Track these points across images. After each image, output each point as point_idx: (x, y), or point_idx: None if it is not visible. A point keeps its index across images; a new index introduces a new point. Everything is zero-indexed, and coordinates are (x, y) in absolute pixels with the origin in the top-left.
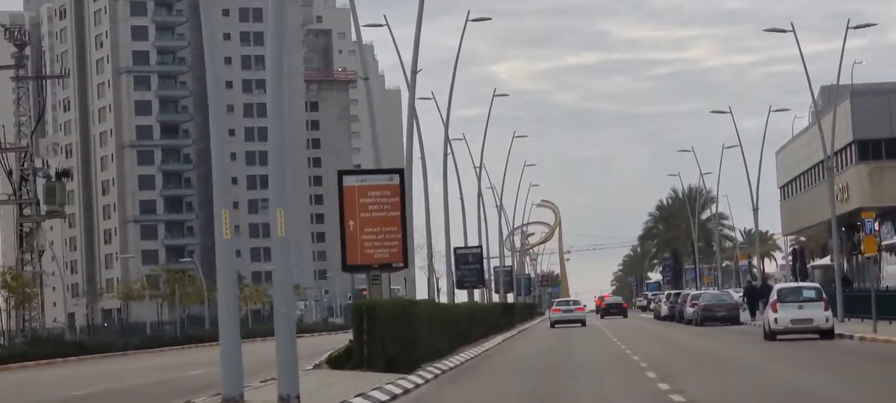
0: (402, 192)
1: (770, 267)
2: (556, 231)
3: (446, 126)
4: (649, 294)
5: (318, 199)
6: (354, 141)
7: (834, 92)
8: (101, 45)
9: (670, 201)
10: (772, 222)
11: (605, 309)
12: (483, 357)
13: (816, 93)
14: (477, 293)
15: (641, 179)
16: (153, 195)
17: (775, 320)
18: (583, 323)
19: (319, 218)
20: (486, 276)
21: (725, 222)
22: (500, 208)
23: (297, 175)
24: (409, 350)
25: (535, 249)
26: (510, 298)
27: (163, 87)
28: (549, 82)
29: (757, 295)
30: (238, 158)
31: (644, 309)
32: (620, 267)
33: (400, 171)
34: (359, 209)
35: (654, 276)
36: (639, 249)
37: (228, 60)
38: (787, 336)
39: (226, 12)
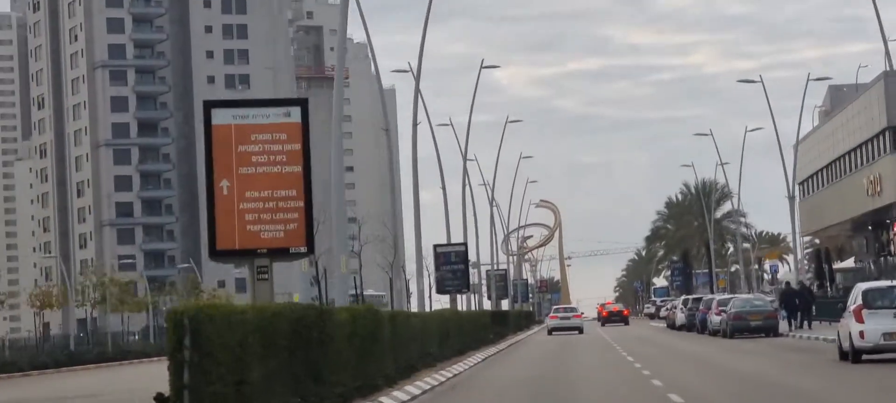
0: (306, 138)
1: (782, 270)
2: (557, 233)
3: (417, 78)
4: (657, 300)
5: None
6: (347, 142)
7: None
8: (76, 39)
9: (681, 197)
10: (783, 223)
11: (606, 318)
12: (443, 391)
13: (825, 92)
14: (463, 299)
15: (643, 185)
16: (130, 197)
17: (860, 333)
18: (580, 330)
19: None
20: (473, 279)
21: (743, 219)
22: (492, 200)
23: None
24: (299, 388)
25: (534, 253)
26: (505, 305)
27: (140, 83)
28: (551, 88)
29: (796, 301)
30: None
31: (653, 316)
32: (624, 273)
33: (301, 103)
34: (237, 162)
35: (659, 282)
36: (644, 252)
37: (210, 54)
38: (876, 355)
39: (207, 3)
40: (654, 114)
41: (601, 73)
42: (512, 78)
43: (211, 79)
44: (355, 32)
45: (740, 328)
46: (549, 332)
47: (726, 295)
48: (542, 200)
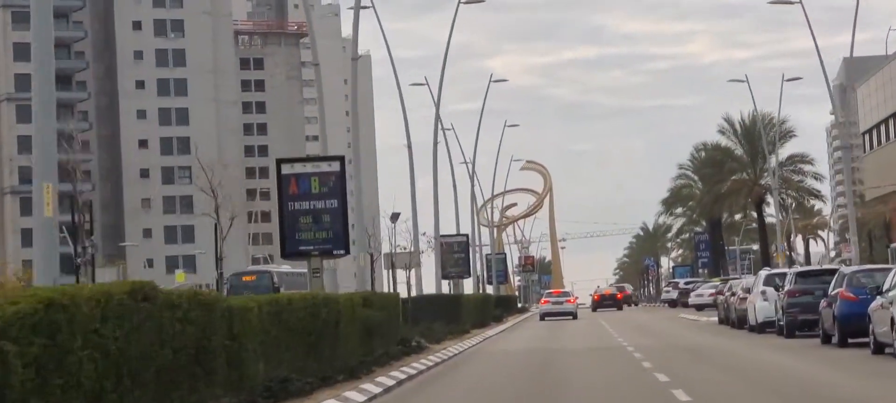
0: None
1: (817, 249)
2: (547, 200)
3: None
4: (680, 281)
5: (263, 172)
6: (309, 109)
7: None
8: None
9: (718, 140)
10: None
11: (598, 302)
12: None
13: (839, 65)
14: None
15: (638, 173)
16: None
17: None
18: (574, 315)
19: (264, 194)
20: (392, 244)
21: (808, 167)
22: (438, 113)
23: (228, 138)
24: None
25: (521, 226)
26: (468, 287)
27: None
28: (545, 76)
29: None
30: (149, 116)
31: (674, 303)
32: (626, 254)
33: None
34: None
35: (666, 261)
36: (652, 226)
37: None
38: None
39: None
40: (649, 102)
41: (596, 62)
42: (506, 66)
43: (137, 25)
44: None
45: None
46: (542, 317)
47: None
48: (528, 161)
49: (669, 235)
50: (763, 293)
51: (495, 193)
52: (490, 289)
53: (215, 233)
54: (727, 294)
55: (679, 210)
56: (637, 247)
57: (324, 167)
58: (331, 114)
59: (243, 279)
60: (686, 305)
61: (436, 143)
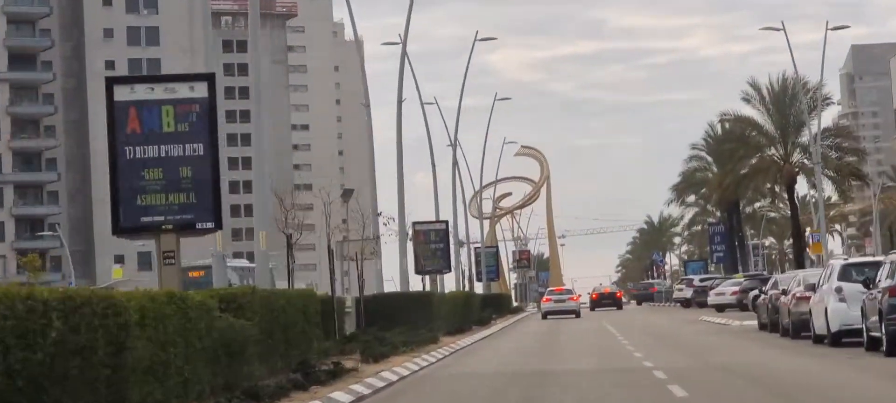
0: None
1: (834, 245)
2: (544, 189)
3: None
4: (695, 279)
5: (245, 163)
6: (301, 96)
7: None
8: None
9: (742, 112)
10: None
11: (596, 301)
12: None
13: (847, 53)
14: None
15: (637, 169)
16: None
17: None
18: (577, 313)
19: (246, 186)
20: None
21: (846, 144)
22: (405, 49)
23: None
24: None
25: (517, 219)
26: (449, 284)
27: (12, 2)
28: (545, 71)
29: None
30: None
31: (688, 303)
32: (628, 250)
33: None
34: None
35: (671, 259)
36: (657, 219)
37: None
38: None
39: None
40: (648, 97)
41: (595, 57)
42: (505, 61)
43: (107, 1)
44: None
45: None
46: (544, 316)
47: None
48: (524, 146)
49: (678, 228)
50: (838, 290)
51: (487, 182)
52: (480, 287)
53: None
54: (773, 292)
55: (691, 198)
56: (641, 243)
57: (182, 92)
58: (320, 102)
59: (190, 275)
60: (702, 305)
61: (400, 101)
